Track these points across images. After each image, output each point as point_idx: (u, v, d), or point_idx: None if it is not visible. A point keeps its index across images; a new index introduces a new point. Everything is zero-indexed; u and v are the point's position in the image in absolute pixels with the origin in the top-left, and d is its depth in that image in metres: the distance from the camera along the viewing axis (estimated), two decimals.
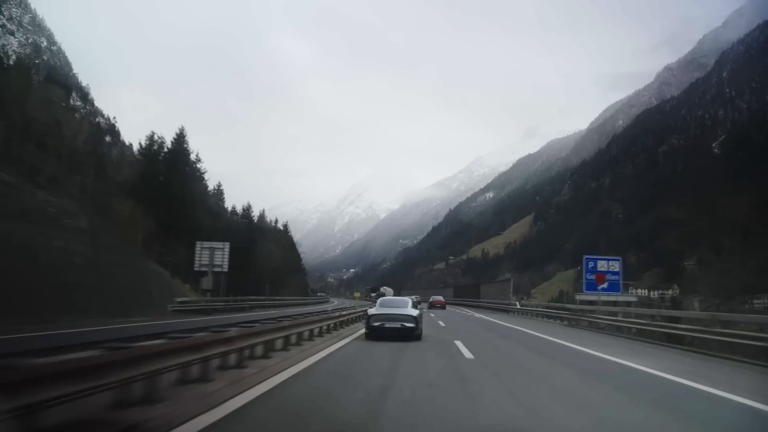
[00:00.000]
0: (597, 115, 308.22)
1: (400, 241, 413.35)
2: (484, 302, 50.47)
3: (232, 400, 6.10)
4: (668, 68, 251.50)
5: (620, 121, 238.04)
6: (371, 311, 15.66)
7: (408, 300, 18.08)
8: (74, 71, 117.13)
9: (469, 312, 41.29)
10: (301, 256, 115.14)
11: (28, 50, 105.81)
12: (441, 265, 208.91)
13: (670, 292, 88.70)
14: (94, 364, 4.67)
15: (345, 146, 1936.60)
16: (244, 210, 77.91)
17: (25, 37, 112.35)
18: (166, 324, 18.70)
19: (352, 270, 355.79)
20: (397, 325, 14.56)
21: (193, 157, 56.65)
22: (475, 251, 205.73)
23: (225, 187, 75.72)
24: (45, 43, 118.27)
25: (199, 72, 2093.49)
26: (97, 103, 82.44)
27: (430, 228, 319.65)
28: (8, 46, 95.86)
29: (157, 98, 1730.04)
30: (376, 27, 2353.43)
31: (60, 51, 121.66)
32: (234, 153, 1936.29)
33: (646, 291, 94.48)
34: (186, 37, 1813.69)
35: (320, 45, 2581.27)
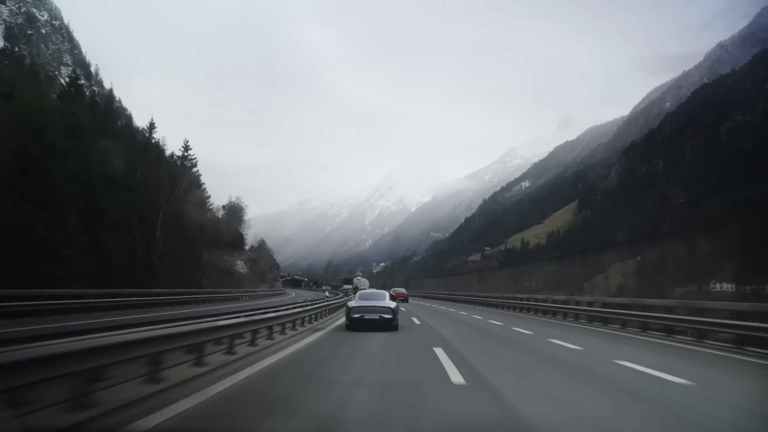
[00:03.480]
0: (638, 100, 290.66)
1: (432, 233, 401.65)
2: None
3: None
4: (721, 45, 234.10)
5: (668, 103, 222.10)
6: (351, 304, 16.04)
7: (385, 293, 17.97)
8: (81, 50, 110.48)
9: None
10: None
11: (20, 20, 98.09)
12: (476, 257, 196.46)
13: None
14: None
15: (375, 139, 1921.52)
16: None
17: (17, 5, 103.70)
18: None
19: (382, 263, 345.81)
20: (376, 316, 15.00)
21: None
22: (514, 241, 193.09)
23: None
24: (46, 17, 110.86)
25: (224, 65, 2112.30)
26: (116, 91, 73.26)
27: (463, 220, 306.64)
28: None
29: (183, 91, 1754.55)
30: (403, 15, 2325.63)
31: (63, 27, 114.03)
32: (261, 147, 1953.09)
33: (733, 286, 79.61)
34: (210, 31, 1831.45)
35: (347, 35, 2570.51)
